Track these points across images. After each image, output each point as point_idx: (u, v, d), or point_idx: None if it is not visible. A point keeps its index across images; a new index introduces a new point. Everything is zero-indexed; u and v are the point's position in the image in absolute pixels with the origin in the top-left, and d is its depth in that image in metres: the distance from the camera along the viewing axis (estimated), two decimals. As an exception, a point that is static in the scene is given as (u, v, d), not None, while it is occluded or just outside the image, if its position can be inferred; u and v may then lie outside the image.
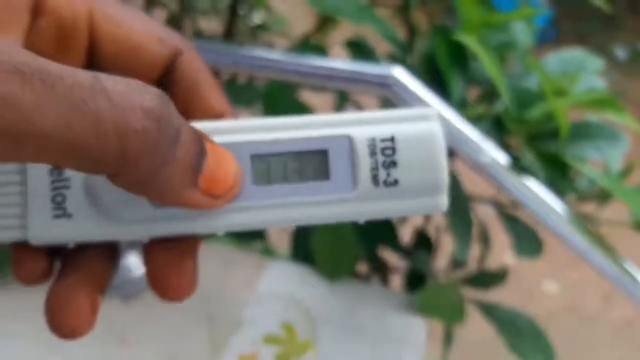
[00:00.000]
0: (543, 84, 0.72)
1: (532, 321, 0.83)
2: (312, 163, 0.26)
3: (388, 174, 0.26)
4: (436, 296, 0.82)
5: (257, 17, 1.04)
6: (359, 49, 0.82)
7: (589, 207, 0.80)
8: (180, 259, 0.26)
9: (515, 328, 0.82)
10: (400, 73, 0.68)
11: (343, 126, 0.27)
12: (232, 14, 0.96)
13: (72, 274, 0.26)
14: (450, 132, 0.69)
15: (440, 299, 0.82)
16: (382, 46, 0.86)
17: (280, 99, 0.83)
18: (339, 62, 0.71)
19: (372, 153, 0.26)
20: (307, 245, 0.86)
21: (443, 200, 0.27)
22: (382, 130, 0.27)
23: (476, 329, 0.90)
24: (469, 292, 0.86)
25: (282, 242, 0.97)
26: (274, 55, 0.73)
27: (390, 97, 0.67)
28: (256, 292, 0.79)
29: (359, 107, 0.90)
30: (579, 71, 0.81)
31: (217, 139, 0.26)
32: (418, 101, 0.66)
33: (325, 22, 0.93)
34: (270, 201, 0.26)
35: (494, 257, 0.94)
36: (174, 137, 0.22)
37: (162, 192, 0.23)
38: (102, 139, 0.20)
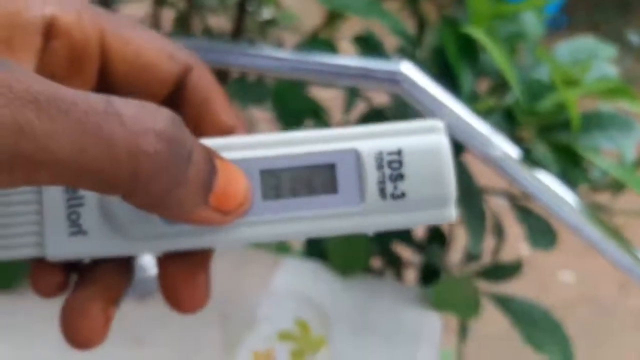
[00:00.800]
0: (554, 74, 0.72)
1: (548, 312, 0.83)
2: (320, 177, 0.27)
3: (395, 187, 0.27)
4: (451, 290, 0.82)
5: (267, 13, 1.04)
6: (368, 44, 0.82)
7: (603, 198, 0.80)
8: (192, 273, 0.27)
9: (530, 320, 0.82)
10: (408, 69, 0.68)
11: (350, 140, 0.27)
12: (241, 10, 0.96)
13: (87, 286, 0.27)
14: (461, 126, 0.69)
15: (454, 293, 0.82)
16: (390, 39, 0.85)
17: (290, 95, 0.83)
18: (347, 59, 0.71)
19: (379, 166, 0.27)
20: (320, 242, 0.86)
21: (451, 212, 0.27)
22: (389, 144, 0.27)
23: (492, 322, 0.90)
24: (484, 285, 0.85)
25: (295, 238, 0.97)
26: (281, 54, 0.73)
27: (400, 93, 0.67)
28: (270, 289, 0.79)
29: (369, 102, 0.90)
30: (591, 59, 0.80)
31: (227, 155, 0.26)
32: (427, 97, 0.66)
33: (334, 17, 0.93)
34: (280, 215, 0.27)
35: (510, 249, 0.94)
36: (186, 158, 0.23)
37: (173, 211, 0.24)
38: (115, 162, 0.21)
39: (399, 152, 0.27)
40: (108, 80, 0.28)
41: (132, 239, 0.27)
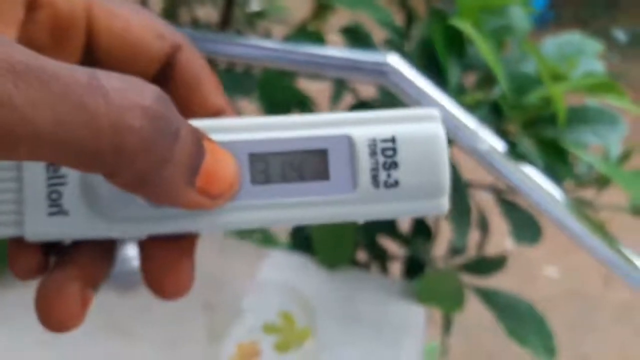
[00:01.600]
0: (541, 68, 0.72)
1: (532, 306, 0.83)
2: (312, 163, 0.26)
3: (388, 175, 0.26)
4: (435, 283, 0.82)
5: (255, 4, 1.03)
6: (356, 36, 0.82)
7: (589, 193, 0.80)
8: (177, 258, 0.26)
9: (514, 314, 0.82)
10: (396, 61, 0.67)
11: (343, 126, 0.26)
12: (229, 1, 0.95)
13: (64, 267, 0.26)
14: (448, 119, 0.69)
15: (439, 286, 0.82)
16: (378, 33, 0.85)
17: (277, 86, 0.83)
18: (335, 50, 0.71)
19: (373, 153, 0.26)
20: (306, 235, 0.86)
21: (444, 203, 0.27)
22: (383, 131, 0.26)
23: (476, 314, 0.90)
24: (469, 279, 0.86)
25: (282, 230, 0.97)
26: (269, 44, 0.73)
27: (386, 85, 0.67)
28: (255, 281, 0.79)
29: (356, 94, 0.90)
30: (578, 55, 0.80)
31: (215, 137, 0.25)
32: (414, 89, 0.66)
33: (322, 8, 0.93)
34: (269, 201, 0.26)
35: (495, 242, 0.94)
36: (172, 136, 0.22)
37: (159, 192, 0.23)
38: (98, 136, 0.20)
39: (393, 140, 0.26)
40: (94, 55, 0.27)
41: (115, 221, 0.26)
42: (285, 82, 0.85)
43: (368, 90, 0.89)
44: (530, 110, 0.73)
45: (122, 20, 0.27)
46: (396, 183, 0.26)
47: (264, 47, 0.73)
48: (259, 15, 1.02)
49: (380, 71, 0.67)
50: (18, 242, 0.26)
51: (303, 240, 0.88)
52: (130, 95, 0.21)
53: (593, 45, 0.83)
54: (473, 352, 1.55)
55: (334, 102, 0.90)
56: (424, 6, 0.91)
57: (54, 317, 0.25)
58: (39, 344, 0.73)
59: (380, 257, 0.93)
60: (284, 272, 0.83)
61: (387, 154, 0.26)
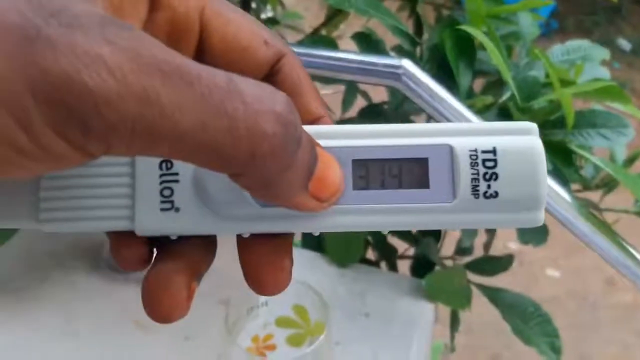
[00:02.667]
0: (549, 72, 0.73)
1: (538, 305, 0.84)
2: (412, 171, 0.27)
3: (489, 186, 0.26)
4: (443, 281, 0.83)
5: (270, 11, 1.05)
6: (368, 42, 0.84)
7: (595, 197, 0.82)
8: (278, 256, 0.27)
9: (520, 312, 0.83)
10: (410, 65, 0.69)
11: (444, 136, 0.27)
12: (244, 6, 0.97)
13: (171, 260, 0.26)
14: (459, 122, 0.70)
15: (447, 283, 0.83)
16: (388, 39, 0.87)
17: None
18: (349, 53, 0.73)
19: (474, 164, 0.26)
20: (317, 235, 0.87)
21: (540, 216, 0.27)
22: (484, 142, 0.27)
23: (483, 312, 0.92)
24: (475, 277, 0.87)
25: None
26: (286, 46, 0.74)
27: (401, 88, 0.69)
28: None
29: (368, 98, 0.92)
30: (584, 61, 0.82)
31: (322, 143, 0.26)
32: (428, 92, 0.68)
33: (335, 14, 0.95)
34: (369, 206, 0.26)
35: (499, 244, 0.96)
36: (296, 143, 0.22)
37: (277, 194, 0.24)
38: (235, 140, 0.20)
39: (494, 151, 0.26)
40: (204, 59, 0.27)
41: (224, 219, 0.26)
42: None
43: (378, 96, 0.91)
44: (538, 113, 0.75)
45: (233, 25, 0.27)
46: (496, 194, 0.26)
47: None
48: (273, 21, 1.03)
49: (395, 74, 0.68)
50: (123, 235, 0.27)
51: (314, 239, 0.90)
52: (265, 100, 0.21)
53: (599, 52, 0.84)
54: (477, 349, 1.57)
55: (346, 107, 0.92)
56: (432, 14, 0.93)
57: (162, 308, 0.25)
58: (56, 337, 0.74)
59: (390, 256, 0.95)
60: (297, 269, 0.84)
61: (487, 165, 0.26)
